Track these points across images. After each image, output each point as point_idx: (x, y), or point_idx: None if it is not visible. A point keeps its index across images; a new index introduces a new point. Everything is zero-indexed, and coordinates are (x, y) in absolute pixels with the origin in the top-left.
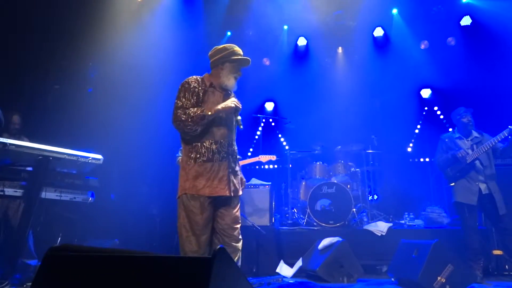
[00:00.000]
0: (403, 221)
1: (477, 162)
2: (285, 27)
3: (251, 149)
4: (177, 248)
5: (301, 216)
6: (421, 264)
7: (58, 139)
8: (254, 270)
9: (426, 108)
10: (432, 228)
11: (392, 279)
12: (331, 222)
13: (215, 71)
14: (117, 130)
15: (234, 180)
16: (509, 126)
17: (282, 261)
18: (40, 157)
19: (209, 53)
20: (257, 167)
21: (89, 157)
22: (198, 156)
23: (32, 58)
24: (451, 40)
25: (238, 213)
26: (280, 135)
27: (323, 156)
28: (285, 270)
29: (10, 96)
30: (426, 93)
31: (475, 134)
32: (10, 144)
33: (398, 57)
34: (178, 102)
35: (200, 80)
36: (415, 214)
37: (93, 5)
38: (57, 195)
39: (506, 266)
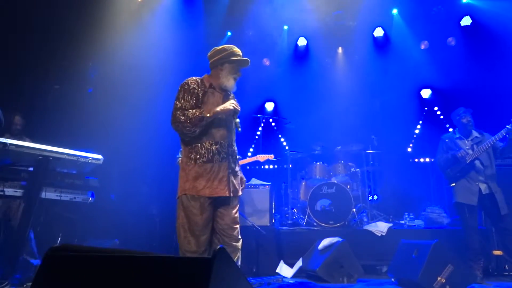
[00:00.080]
0: (403, 221)
1: (477, 162)
2: (285, 27)
3: (251, 149)
4: (177, 248)
5: (301, 216)
6: (421, 264)
7: (58, 139)
8: (254, 270)
9: (426, 108)
10: (432, 228)
11: (392, 279)
12: (331, 222)
13: (214, 72)
14: (117, 130)
15: (234, 181)
16: (507, 126)
17: (282, 261)
18: (40, 157)
19: (208, 54)
20: (257, 167)
21: (89, 157)
22: (198, 157)
23: (32, 58)
24: (451, 40)
25: (237, 213)
26: (280, 135)
27: (323, 156)
28: (285, 270)
29: (10, 96)
30: (426, 93)
31: (475, 134)
32: (10, 144)
33: (398, 57)
34: (177, 103)
35: (199, 81)
36: (415, 214)
37: (93, 5)
38: (57, 195)
39: (506, 267)
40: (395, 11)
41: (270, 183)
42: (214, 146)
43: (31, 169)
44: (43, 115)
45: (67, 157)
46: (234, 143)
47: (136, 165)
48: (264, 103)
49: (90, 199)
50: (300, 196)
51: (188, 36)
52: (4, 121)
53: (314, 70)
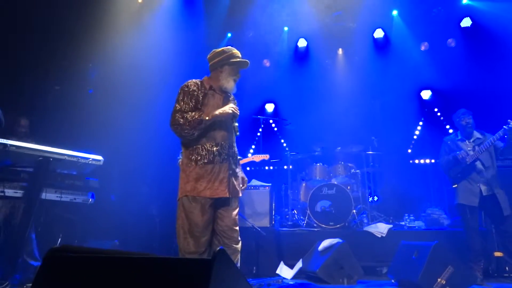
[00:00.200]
0: (403, 223)
1: (478, 163)
2: (285, 28)
3: (251, 150)
4: (177, 249)
5: (301, 217)
6: (421, 265)
7: (58, 140)
8: (254, 271)
9: (426, 110)
10: (432, 229)
11: (392, 281)
12: (331, 223)
13: (214, 74)
14: (118, 131)
15: (235, 182)
16: (504, 127)
17: (282, 263)
18: (40, 158)
19: (208, 56)
20: (257, 168)
21: (90, 158)
22: (199, 158)
23: (32, 58)
24: (451, 42)
25: (237, 215)
26: (280, 137)
27: (323, 157)
28: (285, 271)
29: (10, 96)
30: (426, 94)
31: (477, 135)
32: (11, 145)
33: (398, 58)
34: (177, 105)
35: (199, 83)
36: (415, 215)
37: (94, 6)
38: (57, 196)
39: (506, 268)
40: (395, 12)
41: (270, 184)
42: (215, 148)
43: (31, 170)
44: (43, 115)
45: (67, 158)
46: (235, 145)
47: (136, 165)
48: (264, 104)
49: (90, 200)
50: (300, 197)
51: (188, 37)
52: (5, 121)
53: (314, 72)
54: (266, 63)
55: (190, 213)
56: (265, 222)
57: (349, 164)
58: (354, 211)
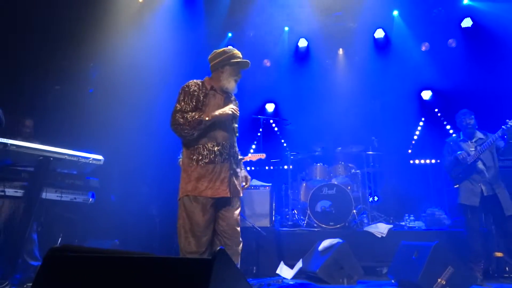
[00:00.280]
0: (403, 223)
1: (479, 163)
2: (286, 28)
3: (251, 150)
4: (177, 248)
5: (302, 217)
6: (421, 266)
7: (59, 140)
8: (254, 271)
9: (426, 110)
10: (432, 230)
11: (392, 281)
12: (331, 223)
13: (215, 74)
14: (118, 131)
15: (236, 182)
16: (503, 126)
17: (282, 263)
18: (41, 158)
19: (209, 57)
20: (257, 168)
21: (90, 157)
22: (200, 158)
23: (32, 58)
24: (451, 42)
25: (239, 215)
26: (280, 137)
27: (324, 157)
28: (285, 271)
29: (10, 96)
30: (426, 95)
31: (479, 135)
32: (11, 144)
33: (398, 59)
34: (177, 105)
35: (200, 83)
36: (416, 215)
37: (94, 6)
38: (57, 196)
39: (507, 268)
40: (395, 12)
41: (270, 184)
42: (216, 148)
43: (31, 169)
44: (43, 115)
45: (67, 157)
46: (236, 145)
47: (136, 165)
48: (265, 104)
49: (91, 199)
50: (300, 197)
51: (188, 37)
52: (5, 121)
53: (315, 72)
54: (267, 63)
55: (191, 212)
56: (265, 222)
57: (349, 164)
58: (354, 211)
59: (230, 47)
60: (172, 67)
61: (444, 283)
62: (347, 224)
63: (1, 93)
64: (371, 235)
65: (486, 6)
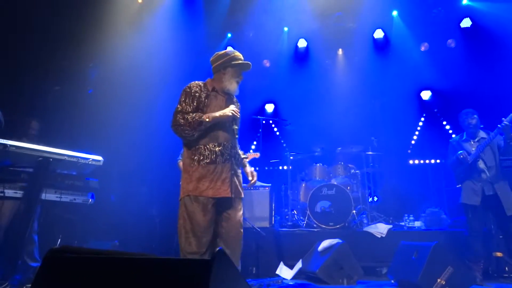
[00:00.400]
0: (403, 223)
1: (480, 162)
2: (285, 29)
3: (251, 151)
4: (177, 249)
5: (301, 217)
6: (421, 266)
7: (58, 141)
8: (253, 272)
9: (426, 110)
10: (432, 230)
11: (392, 281)
12: (331, 223)
13: (217, 76)
14: (117, 131)
15: (237, 182)
16: (498, 125)
17: (282, 263)
18: (40, 159)
19: (211, 59)
20: (257, 168)
21: (90, 158)
22: (201, 158)
23: (32, 58)
24: (451, 42)
25: (242, 217)
26: (280, 137)
27: (323, 157)
28: (285, 271)
29: (10, 96)
30: (426, 95)
31: (482, 135)
32: (11, 145)
33: (398, 59)
34: (179, 106)
35: (202, 85)
36: (415, 215)
37: (94, 6)
38: (57, 197)
39: (506, 268)
40: (395, 13)
41: (270, 184)
42: (217, 148)
43: (31, 170)
44: (43, 115)
45: (67, 158)
46: (237, 145)
47: (136, 166)
48: (264, 105)
49: (90, 200)
50: (300, 197)
51: (188, 37)
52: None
53: (314, 72)
54: (266, 63)
55: (192, 212)
56: (265, 223)
57: (349, 165)
58: (354, 211)
59: (231, 49)
60: (172, 68)
61: (443, 283)
62: (346, 224)
63: (1, 93)
64: (371, 235)
65: (485, 6)
